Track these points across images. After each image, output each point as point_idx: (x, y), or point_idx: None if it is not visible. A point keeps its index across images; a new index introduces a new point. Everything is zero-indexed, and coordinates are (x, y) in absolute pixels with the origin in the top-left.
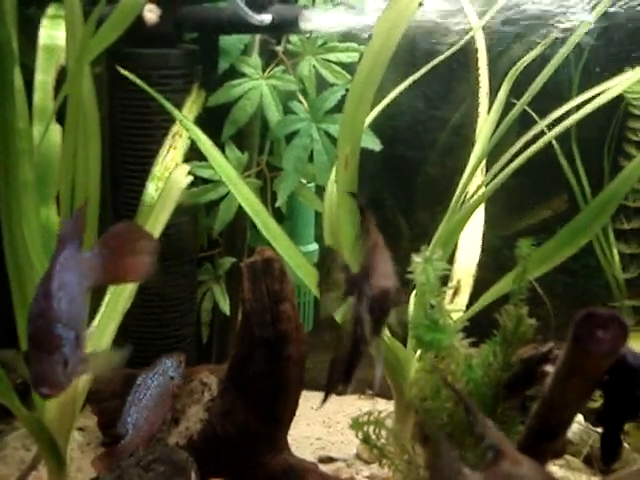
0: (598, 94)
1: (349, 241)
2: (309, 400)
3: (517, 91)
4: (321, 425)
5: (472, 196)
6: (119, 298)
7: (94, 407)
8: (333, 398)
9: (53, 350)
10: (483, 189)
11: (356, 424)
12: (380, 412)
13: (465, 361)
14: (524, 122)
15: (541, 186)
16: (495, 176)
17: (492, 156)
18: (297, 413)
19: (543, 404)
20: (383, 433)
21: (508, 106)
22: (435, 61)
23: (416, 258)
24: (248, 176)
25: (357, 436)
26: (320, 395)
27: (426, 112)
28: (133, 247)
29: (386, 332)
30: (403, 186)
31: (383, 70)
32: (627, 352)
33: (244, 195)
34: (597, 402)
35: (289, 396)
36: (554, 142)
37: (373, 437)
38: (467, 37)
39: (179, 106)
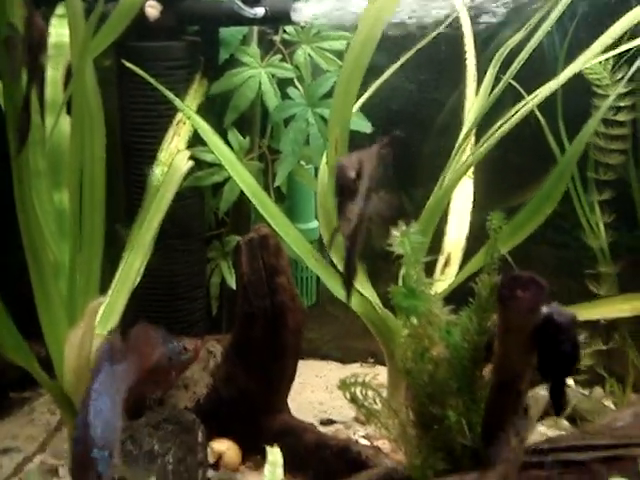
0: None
1: None
2: (314, 369)
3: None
4: (324, 391)
5: (457, 171)
6: (129, 273)
7: None
8: (335, 366)
9: (88, 469)
10: (468, 166)
11: (344, 385)
12: (367, 374)
13: (445, 327)
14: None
15: (532, 165)
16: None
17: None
18: (302, 381)
19: (496, 361)
20: (370, 393)
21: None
22: (420, 44)
23: (394, 231)
24: (251, 159)
25: (345, 396)
26: (325, 364)
27: (420, 94)
28: (149, 344)
29: (378, 302)
30: (398, 165)
31: (370, 57)
32: (554, 310)
33: (243, 177)
34: None
35: (287, 362)
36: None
37: (360, 397)
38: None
39: (183, 95)
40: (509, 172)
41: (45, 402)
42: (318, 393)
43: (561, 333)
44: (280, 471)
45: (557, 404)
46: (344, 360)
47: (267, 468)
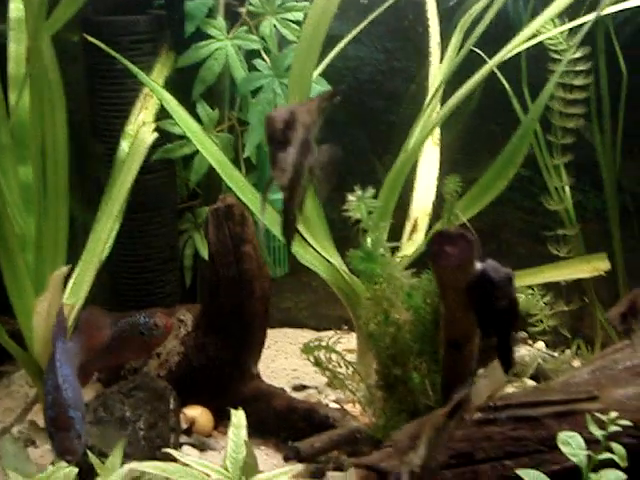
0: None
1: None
2: (289, 336)
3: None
4: (298, 358)
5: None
6: (97, 244)
7: None
8: (310, 333)
9: (69, 429)
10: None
11: (307, 349)
12: (330, 338)
13: (407, 290)
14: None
15: (499, 131)
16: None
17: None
18: (277, 348)
19: (443, 319)
20: (334, 357)
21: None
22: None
23: (350, 197)
24: (220, 131)
25: (309, 360)
26: (300, 331)
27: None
28: (96, 326)
29: (345, 269)
30: (369, 133)
31: (327, 26)
32: (488, 266)
33: (210, 150)
34: None
35: (255, 329)
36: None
37: (324, 361)
38: None
39: (150, 69)
40: (476, 138)
41: (23, 375)
42: (292, 360)
43: (497, 289)
44: (244, 433)
45: (505, 361)
46: (319, 327)
47: (231, 430)
